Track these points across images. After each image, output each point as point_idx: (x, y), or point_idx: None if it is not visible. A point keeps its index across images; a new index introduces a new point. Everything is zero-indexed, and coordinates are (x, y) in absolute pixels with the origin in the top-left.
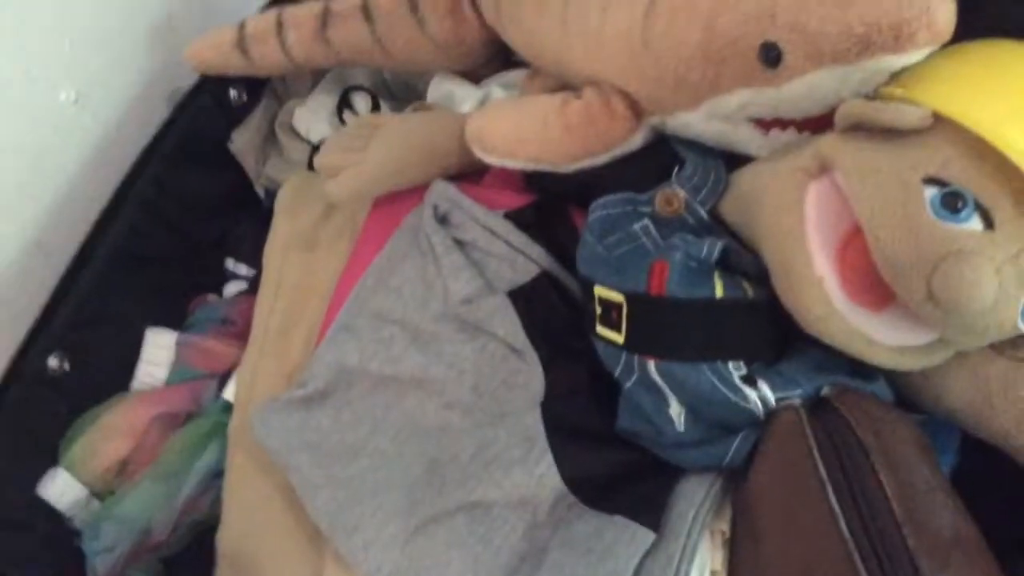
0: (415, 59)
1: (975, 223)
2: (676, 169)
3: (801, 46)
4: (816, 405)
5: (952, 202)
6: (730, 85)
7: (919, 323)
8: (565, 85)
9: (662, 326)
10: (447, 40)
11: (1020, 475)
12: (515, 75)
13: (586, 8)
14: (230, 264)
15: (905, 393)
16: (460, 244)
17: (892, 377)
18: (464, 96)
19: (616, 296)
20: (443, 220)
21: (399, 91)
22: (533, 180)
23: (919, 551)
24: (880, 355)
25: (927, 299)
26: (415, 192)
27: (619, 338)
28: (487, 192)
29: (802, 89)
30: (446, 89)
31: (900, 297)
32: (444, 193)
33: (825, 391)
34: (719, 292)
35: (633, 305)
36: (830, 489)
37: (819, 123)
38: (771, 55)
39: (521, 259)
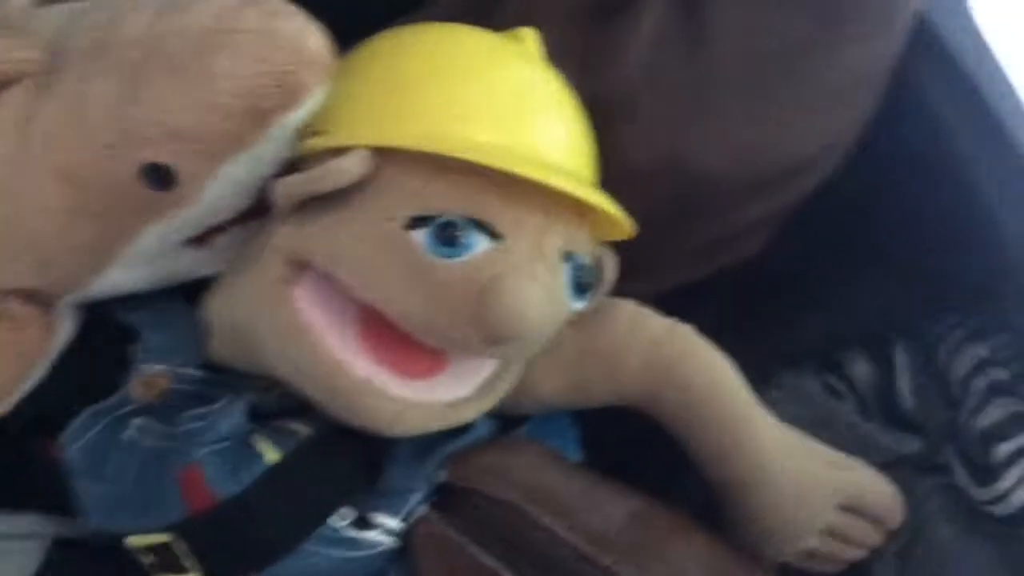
0: None
1: (483, 243)
2: (134, 343)
3: (188, 152)
4: (441, 495)
5: (446, 235)
6: (134, 228)
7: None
8: None
9: (238, 537)
10: None
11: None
12: None
13: None
14: None
15: (505, 409)
16: None
17: None
18: None
19: (160, 538)
20: None
21: None
22: None
23: (619, 562)
24: (465, 412)
25: (484, 343)
26: None
27: None
28: None
29: (219, 190)
30: None
31: (453, 352)
32: None
33: (439, 476)
34: (272, 456)
35: (188, 536)
36: (506, 570)
37: (253, 211)
38: (159, 177)
39: (16, 544)
